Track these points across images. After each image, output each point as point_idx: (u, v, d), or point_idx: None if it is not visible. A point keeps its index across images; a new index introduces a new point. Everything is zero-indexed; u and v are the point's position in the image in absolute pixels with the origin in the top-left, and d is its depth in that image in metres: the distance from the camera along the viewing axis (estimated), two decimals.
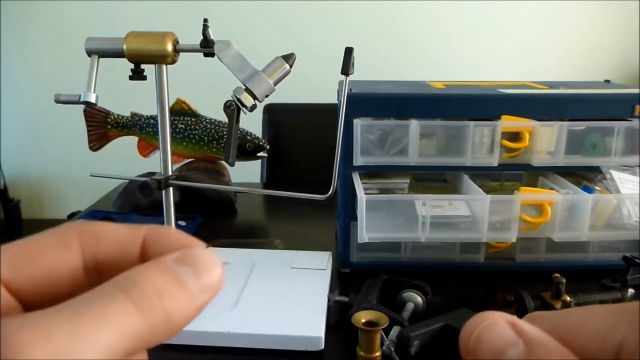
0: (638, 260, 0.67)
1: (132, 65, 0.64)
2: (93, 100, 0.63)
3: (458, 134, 0.74)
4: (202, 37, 0.63)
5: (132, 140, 1.06)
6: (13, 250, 0.19)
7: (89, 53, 0.64)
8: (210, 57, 0.65)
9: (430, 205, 0.71)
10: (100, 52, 0.64)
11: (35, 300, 0.19)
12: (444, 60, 2.40)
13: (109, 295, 0.17)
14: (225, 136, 1.02)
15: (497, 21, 2.38)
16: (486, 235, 0.72)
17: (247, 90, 0.62)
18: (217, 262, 0.19)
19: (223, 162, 1.08)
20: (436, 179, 0.86)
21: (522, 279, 0.76)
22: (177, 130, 1.03)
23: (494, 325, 0.18)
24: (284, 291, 0.69)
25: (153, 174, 0.69)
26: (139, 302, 0.17)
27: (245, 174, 1.22)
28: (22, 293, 0.19)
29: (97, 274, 0.20)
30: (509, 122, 0.73)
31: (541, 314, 0.19)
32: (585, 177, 0.80)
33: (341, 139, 0.62)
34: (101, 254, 0.20)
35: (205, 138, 1.04)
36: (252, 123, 1.14)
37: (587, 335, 0.18)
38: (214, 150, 1.04)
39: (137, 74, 0.65)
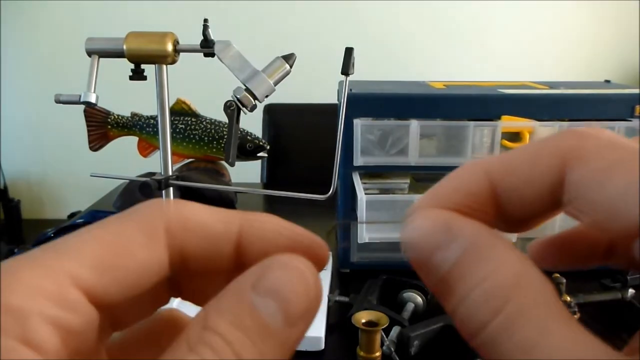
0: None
1: (132, 65, 0.64)
2: (93, 100, 0.63)
3: (458, 134, 0.74)
4: (202, 37, 0.63)
5: (132, 140, 1.06)
6: (93, 245, 0.15)
7: (89, 53, 0.64)
8: (210, 57, 0.65)
9: None
10: (100, 52, 0.64)
11: (116, 302, 0.15)
12: (444, 60, 2.40)
13: None
14: (225, 136, 1.02)
15: (497, 21, 2.38)
16: None
17: (247, 90, 0.62)
18: (312, 279, 0.15)
19: (223, 162, 1.08)
20: (436, 179, 0.85)
21: None
22: (177, 130, 1.03)
23: (426, 219, 0.16)
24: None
25: (153, 174, 0.69)
26: None
27: (245, 174, 1.22)
28: (103, 298, 0.15)
29: (183, 267, 0.17)
30: (509, 122, 0.73)
31: (484, 162, 0.17)
32: None
33: (341, 139, 0.62)
34: (189, 250, 0.16)
35: (206, 138, 1.04)
36: (252, 123, 1.14)
37: (517, 172, 0.16)
38: (214, 150, 1.04)
39: (137, 74, 0.65)
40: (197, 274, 0.17)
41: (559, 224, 0.72)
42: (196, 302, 0.18)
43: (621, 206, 0.13)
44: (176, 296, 0.19)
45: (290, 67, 0.63)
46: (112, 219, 0.16)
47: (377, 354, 0.54)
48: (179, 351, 0.13)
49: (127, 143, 1.08)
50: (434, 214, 0.16)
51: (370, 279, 0.69)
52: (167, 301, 0.19)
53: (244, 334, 0.14)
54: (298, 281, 0.15)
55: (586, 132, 0.15)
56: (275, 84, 0.63)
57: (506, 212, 0.17)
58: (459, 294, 0.14)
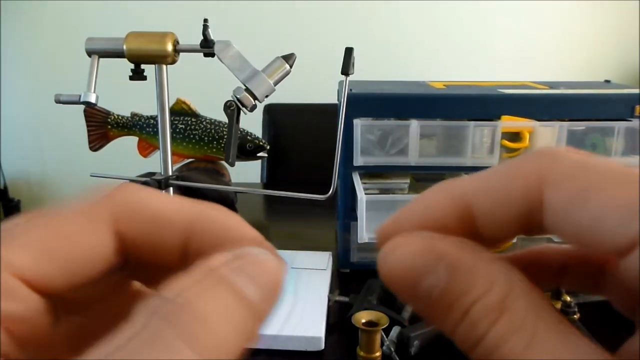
0: None
1: (132, 65, 0.65)
2: (93, 100, 0.63)
3: (458, 134, 0.74)
4: (202, 37, 0.63)
5: (132, 140, 1.06)
6: (35, 233, 0.15)
7: (89, 53, 0.64)
8: (210, 57, 0.65)
9: None
10: (100, 52, 0.64)
11: (60, 288, 0.15)
12: (444, 60, 2.40)
13: (154, 337, 0.12)
14: (225, 136, 1.02)
15: (497, 21, 2.38)
16: None
17: (247, 90, 0.62)
18: (279, 263, 0.16)
19: (223, 162, 1.08)
20: (436, 179, 0.86)
21: None
22: (177, 130, 1.03)
23: (407, 245, 0.15)
24: (284, 291, 0.69)
25: (153, 174, 0.69)
26: (195, 342, 0.12)
27: (245, 174, 1.21)
28: (45, 283, 0.15)
29: (132, 253, 0.17)
30: (509, 122, 0.73)
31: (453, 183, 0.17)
32: None
33: (341, 139, 0.62)
34: (136, 236, 0.16)
35: (205, 138, 1.04)
36: (252, 123, 1.14)
37: (492, 194, 0.16)
38: (214, 150, 1.04)
39: (137, 74, 0.65)
40: (147, 262, 0.17)
41: None
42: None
43: (600, 229, 0.14)
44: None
45: (290, 67, 0.63)
46: (57, 207, 0.16)
47: (377, 354, 0.54)
48: (149, 320, 0.13)
49: (127, 143, 1.08)
50: (412, 239, 0.16)
51: (370, 279, 0.69)
52: (129, 285, 0.18)
53: (227, 305, 0.14)
54: (269, 260, 0.15)
55: (558, 153, 0.16)
56: (275, 84, 0.63)
57: (482, 233, 0.17)
58: (455, 316, 0.14)
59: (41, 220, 0.15)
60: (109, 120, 1.03)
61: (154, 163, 0.87)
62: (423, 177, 0.85)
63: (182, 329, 0.12)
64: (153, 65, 0.65)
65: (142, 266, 0.18)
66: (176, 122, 1.04)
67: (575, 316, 0.60)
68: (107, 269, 0.16)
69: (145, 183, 0.64)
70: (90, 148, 1.05)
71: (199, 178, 1.02)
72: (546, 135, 0.74)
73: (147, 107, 0.95)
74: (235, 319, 0.14)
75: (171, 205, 0.17)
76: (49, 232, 0.15)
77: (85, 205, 0.16)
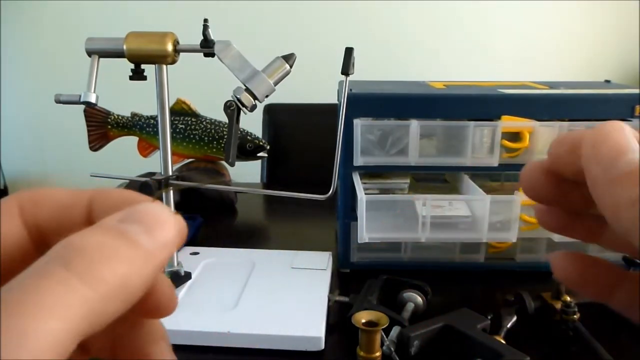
0: (638, 261, 0.67)
1: (132, 65, 0.64)
2: (93, 100, 0.63)
3: (458, 134, 0.74)
4: (202, 37, 0.63)
5: (132, 140, 1.06)
6: None
7: (89, 53, 0.64)
8: (210, 57, 0.65)
9: (430, 206, 0.71)
10: (100, 52, 0.64)
11: None
12: (444, 60, 2.40)
13: (45, 274, 0.14)
14: (226, 136, 1.02)
15: (497, 21, 2.38)
16: (486, 236, 0.72)
17: (247, 90, 0.62)
18: (169, 214, 0.17)
19: (223, 162, 1.08)
20: (436, 179, 0.86)
21: (522, 279, 0.76)
22: (177, 130, 1.03)
23: (622, 129, 0.19)
24: (284, 291, 0.69)
25: (153, 174, 0.69)
26: (84, 274, 0.14)
27: (245, 174, 1.22)
28: None
29: (45, 241, 0.19)
30: (509, 122, 0.73)
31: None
32: None
33: (341, 139, 0.62)
34: (42, 220, 0.19)
35: (206, 138, 1.04)
36: (252, 123, 1.14)
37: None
38: (214, 150, 1.04)
39: (137, 74, 0.65)
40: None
41: None
42: None
43: (621, 219, 0.17)
44: None
45: (290, 67, 0.63)
46: None
47: (377, 354, 0.54)
48: (40, 263, 0.14)
49: (127, 143, 1.08)
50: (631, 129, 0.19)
51: (370, 279, 0.69)
52: None
53: (115, 246, 0.15)
54: (159, 211, 0.17)
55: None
56: (275, 84, 0.63)
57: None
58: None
59: None
60: (109, 120, 1.03)
61: (154, 163, 0.87)
62: (423, 177, 0.85)
63: (66, 261, 0.14)
64: (153, 65, 0.65)
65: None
66: (176, 122, 1.04)
67: (575, 316, 0.60)
68: (28, 257, 0.18)
69: (145, 183, 0.64)
70: (90, 148, 1.05)
71: (199, 178, 1.02)
72: (546, 135, 0.74)
73: (147, 107, 0.95)
74: (121, 256, 0.15)
75: (69, 192, 0.19)
76: None
77: None
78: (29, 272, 0.14)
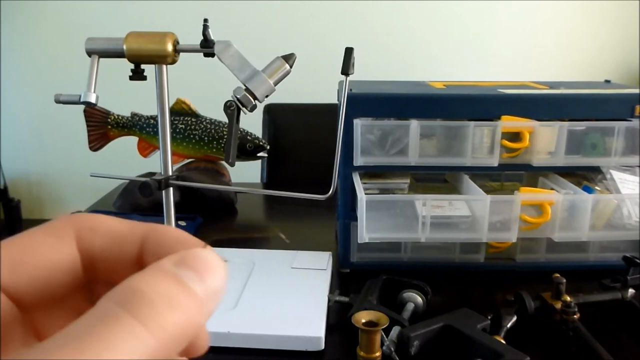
0: (638, 261, 0.67)
1: (132, 65, 0.64)
2: (93, 100, 0.63)
3: (458, 134, 0.74)
4: (202, 37, 0.63)
5: (132, 140, 1.06)
6: (6, 249, 0.17)
7: (89, 53, 0.64)
8: (210, 57, 0.65)
9: (430, 205, 0.71)
10: (100, 52, 0.64)
11: (33, 301, 0.17)
12: (444, 60, 2.40)
13: (112, 317, 0.14)
14: (225, 136, 1.02)
15: (497, 21, 2.38)
16: (486, 236, 0.72)
17: (247, 90, 0.62)
18: (220, 262, 0.18)
19: (223, 162, 1.08)
20: (436, 179, 0.86)
21: (522, 279, 0.76)
22: (177, 130, 1.03)
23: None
24: (284, 291, 0.69)
25: (153, 174, 0.69)
26: (147, 321, 0.15)
27: (245, 174, 1.21)
28: (20, 295, 0.17)
29: (94, 270, 0.19)
30: (509, 122, 0.73)
31: None
32: (585, 177, 0.80)
33: (341, 139, 0.62)
34: (97, 249, 0.19)
35: (206, 138, 1.04)
36: (252, 123, 1.14)
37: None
38: (214, 150, 1.04)
39: (137, 74, 0.65)
40: (108, 274, 0.19)
41: (559, 224, 0.72)
42: None
43: None
44: None
45: (290, 67, 0.63)
46: (30, 229, 0.18)
47: (377, 354, 0.54)
48: (106, 305, 0.15)
49: (127, 143, 1.08)
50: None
51: (370, 279, 0.69)
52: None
53: (173, 293, 0.16)
54: (212, 259, 0.17)
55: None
56: (275, 84, 0.63)
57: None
58: None
59: (12, 240, 0.18)
60: (109, 120, 1.03)
61: (154, 163, 0.87)
62: (423, 177, 0.85)
63: (131, 307, 0.15)
64: (153, 65, 0.65)
65: (105, 283, 0.20)
66: (176, 122, 1.04)
67: (575, 316, 0.60)
68: (75, 281, 0.19)
69: (145, 183, 0.64)
70: (90, 148, 1.05)
71: (199, 178, 1.02)
72: (546, 135, 0.74)
73: (147, 107, 0.95)
74: (181, 306, 0.16)
75: (125, 223, 0.20)
76: (18, 246, 0.18)
77: (50, 225, 0.19)
78: (98, 313, 0.15)
